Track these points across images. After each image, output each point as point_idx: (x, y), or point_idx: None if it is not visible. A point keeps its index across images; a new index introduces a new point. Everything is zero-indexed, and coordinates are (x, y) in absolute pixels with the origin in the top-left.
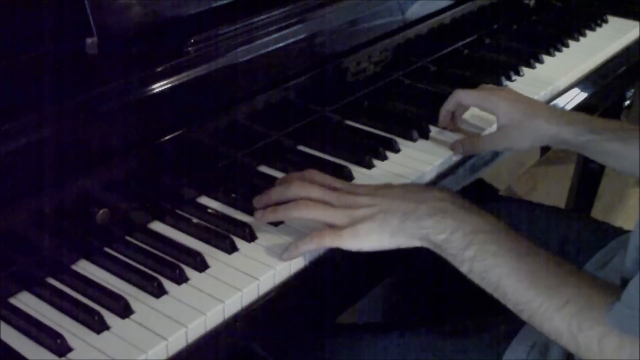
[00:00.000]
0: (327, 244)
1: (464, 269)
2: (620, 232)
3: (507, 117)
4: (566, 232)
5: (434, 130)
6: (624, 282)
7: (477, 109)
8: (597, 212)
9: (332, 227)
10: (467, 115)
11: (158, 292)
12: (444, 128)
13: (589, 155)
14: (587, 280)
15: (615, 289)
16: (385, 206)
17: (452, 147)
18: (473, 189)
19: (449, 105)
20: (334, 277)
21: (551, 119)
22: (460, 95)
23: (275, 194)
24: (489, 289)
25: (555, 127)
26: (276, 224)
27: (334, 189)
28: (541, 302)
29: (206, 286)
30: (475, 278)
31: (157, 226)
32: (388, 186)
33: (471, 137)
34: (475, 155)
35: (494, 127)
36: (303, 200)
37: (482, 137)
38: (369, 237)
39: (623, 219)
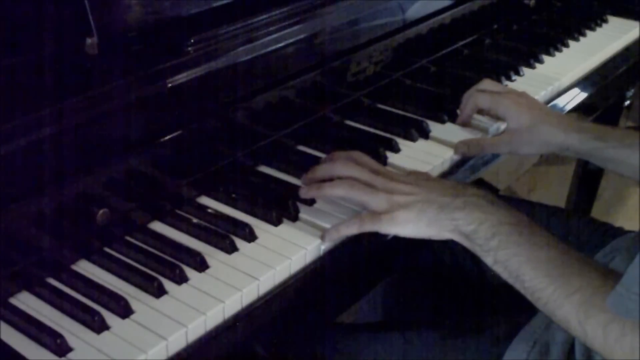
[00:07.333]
0: (367, 228)
1: (489, 259)
2: (620, 232)
3: (516, 122)
4: (566, 232)
5: (434, 130)
6: None
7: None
8: (597, 212)
9: (367, 210)
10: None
11: (158, 292)
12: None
13: (594, 161)
14: (596, 269)
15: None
16: (423, 197)
17: (457, 147)
18: None
19: (468, 109)
20: (334, 277)
21: (559, 126)
22: (478, 99)
23: (320, 171)
24: (511, 280)
25: (563, 134)
26: (278, 221)
27: (377, 173)
28: (554, 289)
29: (206, 286)
30: (499, 268)
31: (157, 226)
32: (428, 177)
33: (477, 139)
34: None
35: (501, 127)
36: (348, 180)
37: (489, 139)
38: (405, 225)
39: (623, 219)
